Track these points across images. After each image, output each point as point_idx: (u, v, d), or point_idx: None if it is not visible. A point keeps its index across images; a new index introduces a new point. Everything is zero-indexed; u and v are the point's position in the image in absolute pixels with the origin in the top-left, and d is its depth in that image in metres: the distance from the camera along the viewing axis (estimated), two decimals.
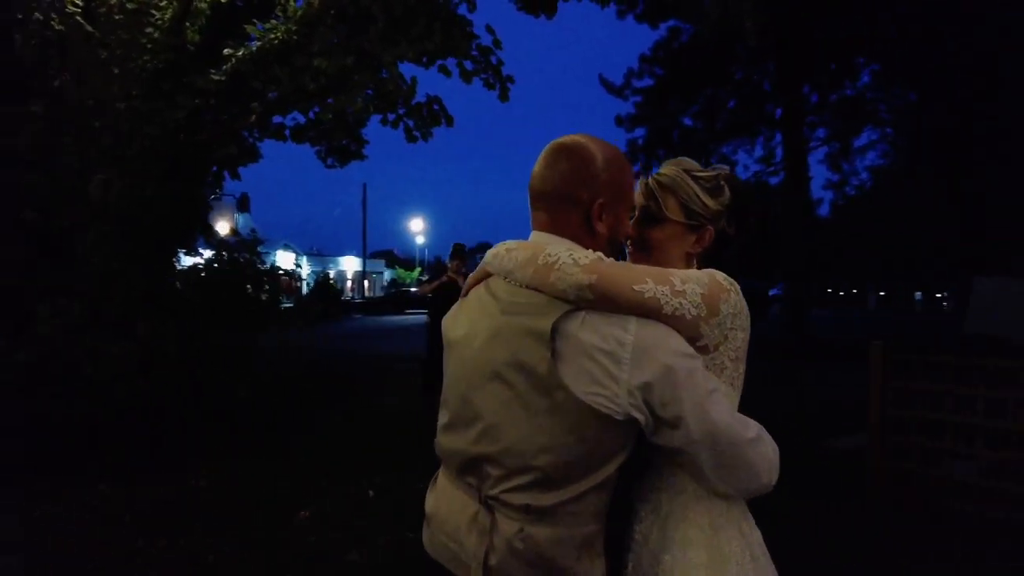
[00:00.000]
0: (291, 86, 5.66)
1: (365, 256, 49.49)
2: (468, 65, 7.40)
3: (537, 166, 1.27)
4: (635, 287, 1.08)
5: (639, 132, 17.21)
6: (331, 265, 49.80)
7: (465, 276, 7.79)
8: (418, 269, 64.10)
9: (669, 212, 1.35)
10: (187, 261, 6.63)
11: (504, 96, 7.93)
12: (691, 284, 1.12)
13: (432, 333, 7.73)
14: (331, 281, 36.47)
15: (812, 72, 15.34)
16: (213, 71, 5.69)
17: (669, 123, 16.41)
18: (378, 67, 6.53)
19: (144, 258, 5.41)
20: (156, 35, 5.69)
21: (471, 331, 1.25)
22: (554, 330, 1.08)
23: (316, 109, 7.00)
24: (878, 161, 19.38)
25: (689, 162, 1.42)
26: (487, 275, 1.32)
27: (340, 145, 9.08)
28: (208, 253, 6.58)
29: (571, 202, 1.22)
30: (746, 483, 1.15)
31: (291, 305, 8.42)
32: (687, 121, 16.57)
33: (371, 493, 4.52)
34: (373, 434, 6.17)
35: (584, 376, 1.07)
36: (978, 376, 3.91)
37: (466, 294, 1.39)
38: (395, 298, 39.51)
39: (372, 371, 10.53)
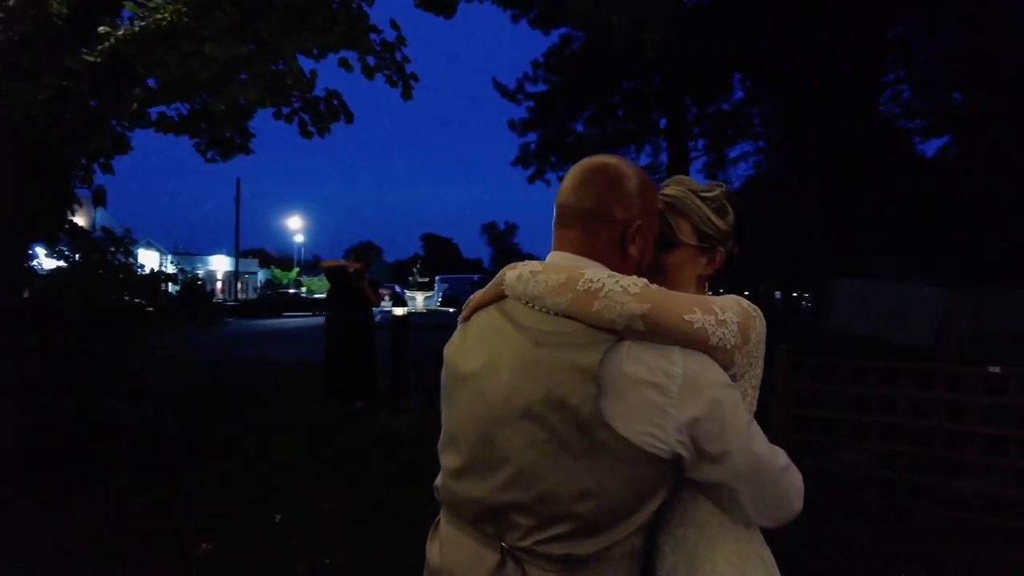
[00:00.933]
0: (180, 72, 5.12)
1: (238, 255, 46.68)
2: (371, 60, 7.12)
3: (570, 183, 1.18)
4: (685, 317, 1.02)
5: (532, 137, 17.50)
6: (199, 265, 46.39)
7: (371, 282, 7.45)
8: (296, 269, 61.30)
9: (683, 235, 1.32)
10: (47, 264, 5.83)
11: (407, 95, 7.71)
12: (729, 313, 1.08)
13: (331, 334, 7.34)
14: (199, 282, 34.00)
15: (693, 86, 16.34)
16: (85, 50, 5.03)
17: (561, 129, 16.82)
18: (275, 57, 6.10)
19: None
20: (11, 3, 4.95)
21: (491, 363, 1.12)
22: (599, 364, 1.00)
23: (203, 99, 6.42)
24: (749, 171, 21.06)
25: (690, 180, 1.40)
26: (498, 298, 1.20)
27: (223, 138, 8.44)
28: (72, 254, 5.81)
29: (606, 222, 1.14)
30: (780, 513, 1.12)
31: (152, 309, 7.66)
32: (579, 127, 17.11)
33: (278, 517, 4.18)
34: (275, 450, 5.71)
35: (632, 413, 0.99)
36: (875, 375, 4.25)
37: (468, 318, 1.26)
38: (272, 300, 37.66)
39: (263, 380, 9.80)
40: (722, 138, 17.33)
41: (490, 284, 1.24)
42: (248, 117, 7.88)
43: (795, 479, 1.11)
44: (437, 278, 44.40)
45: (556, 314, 1.07)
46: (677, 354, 1.01)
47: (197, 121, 7.84)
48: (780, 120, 17.75)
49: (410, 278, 45.53)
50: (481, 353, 1.15)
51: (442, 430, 1.26)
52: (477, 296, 1.26)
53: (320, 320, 7.57)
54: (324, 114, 7.69)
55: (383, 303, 18.27)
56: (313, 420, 6.82)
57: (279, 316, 33.35)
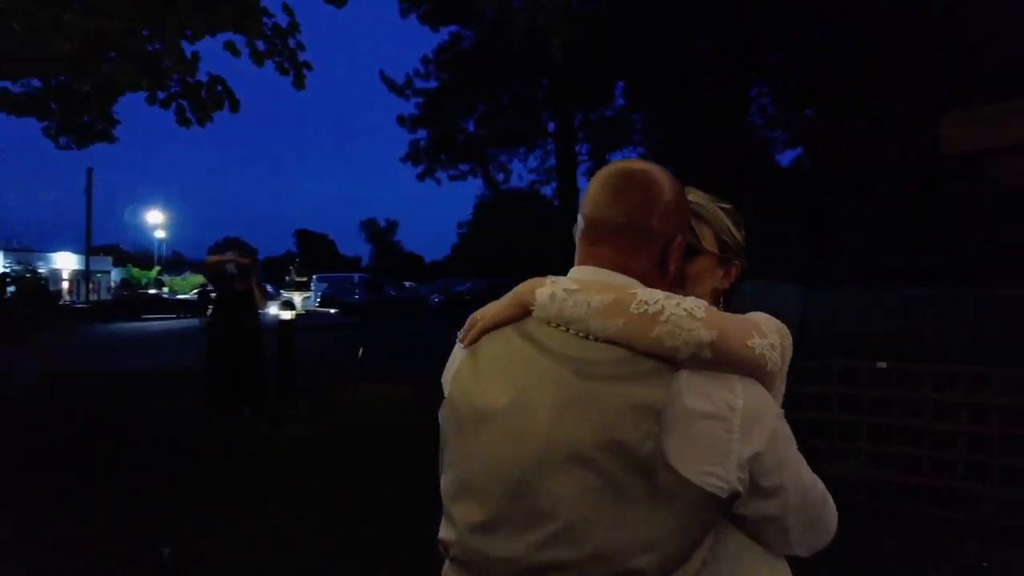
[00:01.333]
0: (33, 45, 4.40)
1: (89, 252, 42.30)
2: (260, 46, 6.56)
3: (599, 193, 1.05)
4: (748, 343, 0.93)
5: (421, 133, 17.19)
6: (40, 263, 41.39)
7: (261, 286, 6.86)
8: (157, 268, 56.38)
9: (706, 243, 1.22)
10: None
11: (299, 83, 7.21)
12: (773, 335, 0.99)
13: (212, 339, 6.70)
14: (42, 282, 30.55)
15: (578, 91, 16.78)
16: None
17: (452, 127, 16.65)
18: (152, 35, 5.44)
19: None
20: None
21: (522, 398, 0.95)
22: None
23: (60, 77, 5.60)
24: None
25: (699, 192, 1.32)
26: (520, 317, 1.03)
27: (81, 123, 7.47)
28: None
29: (645, 236, 1.02)
30: (820, 540, 1.06)
31: None
32: (470, 126, 17.01)
33: (166, 552, 3.69)
34: (160, 476, 5.04)
35: (695, 452, 0.88)
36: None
37: (476, 340, 1.07)
38: (129, 301, 34.41)
39: (131, 394, 8.68)
40: (606, 143, 18.04)
41: (506, 301, 1.07)
42: (114, 100, 7.03)
43: (832, 505, 1.06)
44: (315, 277, 42.60)
45: (596, 339, 0.92)
46: (737, 384, 0.91)
47: (47, 101, 6.87)
48: (656, 126, 18.72)
49: (287, 277, 43.25)
50: (506, 386, 0.98)
51: (448, 474, 1.06)
52: (487, 315, 1.07)
53: (187, 323, 6.99)
54: (206, 101, 7.01)
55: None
56: (199, 433, 6.16)
57: (138, 319, 30.51)
